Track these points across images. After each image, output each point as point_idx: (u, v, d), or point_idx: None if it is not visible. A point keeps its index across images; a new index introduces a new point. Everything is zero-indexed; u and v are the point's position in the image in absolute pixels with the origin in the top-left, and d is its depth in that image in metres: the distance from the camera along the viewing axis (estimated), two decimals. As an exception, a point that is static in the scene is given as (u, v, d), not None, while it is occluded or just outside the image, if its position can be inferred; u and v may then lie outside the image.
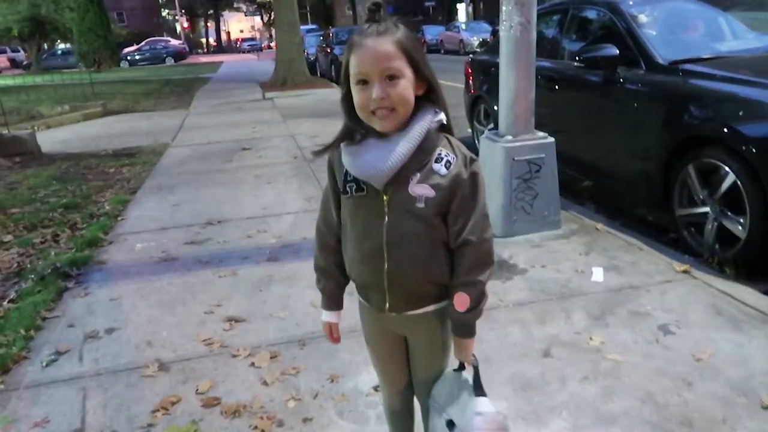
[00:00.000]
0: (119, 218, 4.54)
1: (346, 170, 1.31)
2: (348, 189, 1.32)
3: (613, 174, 4.08)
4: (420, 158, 1.27)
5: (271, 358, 2.42)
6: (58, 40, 33.60)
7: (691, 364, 2.24)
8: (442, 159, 1.28)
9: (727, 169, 3.07)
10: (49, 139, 8.42)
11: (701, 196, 3.27)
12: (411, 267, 1.32)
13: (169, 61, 36.17)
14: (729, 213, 3.12)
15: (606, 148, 4.13)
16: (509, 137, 3.55)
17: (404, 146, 1.24)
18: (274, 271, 3.27)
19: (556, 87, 4.66)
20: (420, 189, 1.27)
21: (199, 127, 9.15)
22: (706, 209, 3.25)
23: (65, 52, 34.17)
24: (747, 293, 2.76)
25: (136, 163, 6.69)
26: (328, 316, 1.51)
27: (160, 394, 2.23)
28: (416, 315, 1.39)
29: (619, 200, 4.21)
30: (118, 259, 3.67)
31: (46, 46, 34.19)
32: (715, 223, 3.20)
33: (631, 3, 4.28)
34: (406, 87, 1.23)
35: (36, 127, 9.46)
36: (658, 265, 3.12)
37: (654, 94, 3.66)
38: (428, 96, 1.31)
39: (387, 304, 1.37)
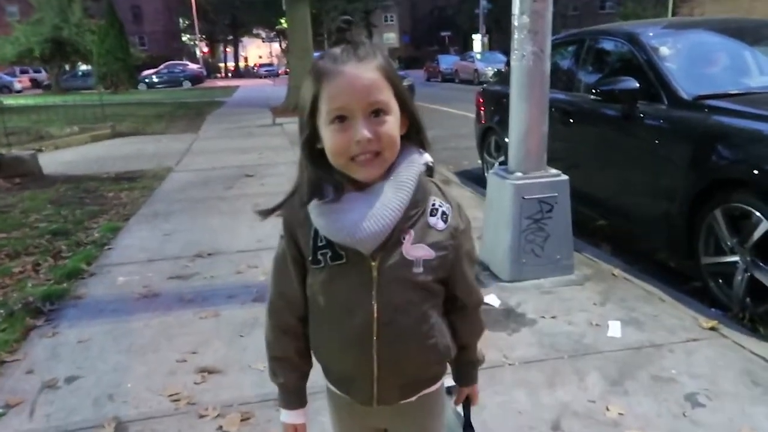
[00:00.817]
0: (107, 247, 4.31)
1: (316, 234, 1.03)
2: (320, 258, 1.03)
3: (632, 215, 3.79)
4: (412, 212, 1.02)
5: (242, 420, 2.14)
6: (79, 62, 34.07)
7: (725, 446, 1.92)
8: (437, 211, 1.05)
9: (759, 215, 2.78)
10: (54, 161, 8.31)
11: (730, 244, 2.97)
12: (411, 349, 1.07)
13: (186, 84, 36.54)
14: (762, 264, 2.82)
15: (624, 186, 3.85)
16: (519, 174, 3.29)
17: (397, 198, 0.99)
18: (259, 314, 2.99)
19: (571, 120, 4.41)
20: (417, 250, 1.03)
21: (206, 151, 9.00)
22: (736, 258, 2.95)
23: (85, 74, 34.66)
24: (785, 358, 2.45)
25: (135, 187, 6.50)
26: (292, 417, 1.18)
27: (111, 462, 1.96)
28: (407, 404, 1.13)
29: (637, 243, 3.91)
30: (96, 294, 3.42)
31: (67, 68, 34.70)
32: (746, 275, 2.89)
33: (651, 34, 4.04)
34: (394, 126, 0.99)
35: (43, 148, 9.37)
36: (682, 320, 2.81)
37: (677, 131, 3.39)
38: (408, 134, 1.06)
39: (375, 397, 1.09)
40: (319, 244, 1.03)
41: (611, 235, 4.15)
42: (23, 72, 39.07)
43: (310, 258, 1.04)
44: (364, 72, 0.96)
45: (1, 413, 2.25)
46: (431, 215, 1.04)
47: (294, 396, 1.18)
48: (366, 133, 0.95)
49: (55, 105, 15.21)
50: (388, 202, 0.99)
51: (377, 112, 0.97)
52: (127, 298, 3.33)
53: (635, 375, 2.35)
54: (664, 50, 3.86)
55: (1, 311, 3.17)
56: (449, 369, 1.22)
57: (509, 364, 2.45)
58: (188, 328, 2.92)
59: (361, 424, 1.20)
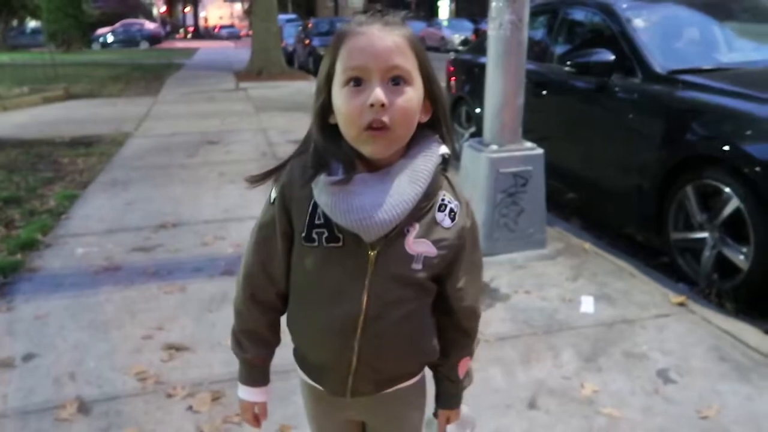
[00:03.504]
0: (63, 216, 4.11)
1: (314, 209, 0.95)
2: (315, 236, 0.96)
3: (602, 189, 3.80)
4: (422, 204, 0.95)
5: (212, 399, 2.07)
6: (27, 18, 32.28)
7: (696, 423, 1.95)
8: (446, 207, 0.99)
9: (730, 192, 2.80)
10: (3, 123, 7.89)
11: (700, 220, 3.00)
12: (393, 345, 1.01)
13: (144, 45, 35.07)
14: (730, 241, 2.86)
15: (595, 160, 3.85)
16: (494, 147, 3.24)
17: (412, 189, 0.93)
18: (228, 288, 2.90)
19: (543, 92, 4.37)
20: (419, 246, 0.96)
21: (166, 116, 8.66)
22: (705, 235, 2.99)
23: (35, 31, 32.90)
24: (751, 333, 2.50)
25: (92, 153, 6.21)
26: (253, 394, 1.12)
27: (74, 446, 1.87)
28: (384, 395, 1.07)
29: (607, 217, 3.93)
30: (54, 267, 3.25)
31: (14, 24, 32.84)
32: (714, 251, 2.94)
33: (625, 6, 3.99)
34: (413, 100, 0.91)
35: (-10, 109, 8.88)
36: (652, 295, 2.85)
37: (651, 105, 3.38)
38: (431, 123, 0.99)
39: (348, 389, 1.03)
40: (316, 222, 0.95)
41: (581, 209, 4.17)
42: (-34, 27, 36.82)
43: (303, 234, 0.96)
44: (389, 35, 0.90)
45: (-47, 395, 2.12)
46: (439, 211, 0.98)
47: (258, 372, 1.11)
48: (380, 93, 0.87)
49: (2, 64, 14.40)
50: (403, 192, 0.92)
51: (396, 80, 0.89)
52: (87, 272, 3.18)
53: (608, 351, 2.37)
54: (639, 22, 3.82)
55: (-50, 284, 2.99)
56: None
57: (484, 341, 2.43)
58: (153, 303, 2.81)
59: (335, 415, 1.15)
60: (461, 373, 1.14)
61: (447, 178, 1.02)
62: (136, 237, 3.68)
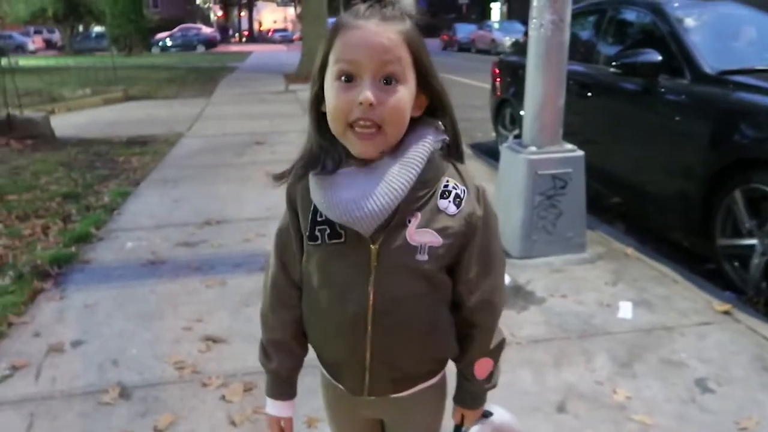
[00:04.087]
0: (116, 212, 4.30)
1: (316, 208, 0.95)
2: (318, 234, 0.95)
3: (647, 192, 3.70)
4: (420, 192, 0.93)
5: (244, 390, 2.13)
6: (93, 23, 33.84)
7: (733, 433, 1.89)
8: (449, 193, 0.95)
9: (781, 197, 2.69)
10: (66, 123, 8.28)
11: (748, 227, 2.89)
12: (406, 341, 0.99)
13: (200, 48, 36.22)
14: (780, 248, 2.74)
15: (640, 163, 3.75)
16: (533, 148, 3.20)
17: (401, 176, 0.90)
18: (266, 283, 2.99)
19: (588, 93, 4.29)
20: (422, 236, 0.93)
21: (218, 117, 8.93)
22: (754, 241, 2.87)
23: (99, 35, 34.43)
24: (800, 345, 2.39)
25: (146, 152, 6.47)
26: (279, 408, 1.10)
27: (114, 428, 1.96)
28: (402, 397, 1.06)
29: (652, 222, 3.83)
30: (104, 259, 3.42)
31: (80, 29, 34.50)
32: (764, 259, 2.82)
33: (676, 5, 3.89)
34: (405, 99, 0.90)
35: (55, 110, 9.35)
36: (695, 302, 2.76)
37: (699, 107, 3.28)
38: (427, 115, 0.97)
39: (366, 387, 1.02)
40: (318, 220, 0.95)
41: (625, 213, 4.07)
42: (37, 32, 38.85)
43: (307, 233, 0.97)
44: (385, 31, 0.88)
45: (7, 375, 2.26)
46: (442, 197, 0.94)
47: (285, 385, 1.11)
48: (369, 94, 0.86)
49: (68, 67, 15.15)
50: (392, 179, 0.90)
51: (388, 79, 0.88)
52: (134, 264, 3.33)
53: (644, 357, 2.31)
54: (689, 22, 3.71)
55: (11, 273, 3.18)
56: None
57: (516, 343, 2.42)
58: (194, 296, 2.91)
59: (353, 413, 1.14)
60: (479, 374, 1.08)
61: (454, 164, 0.98)
62: (181, 232, 3.81)
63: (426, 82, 0.93)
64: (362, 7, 0.90)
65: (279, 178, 1.03)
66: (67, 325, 2.65)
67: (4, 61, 8.68)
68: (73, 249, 3.53)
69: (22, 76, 10.68)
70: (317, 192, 0.93)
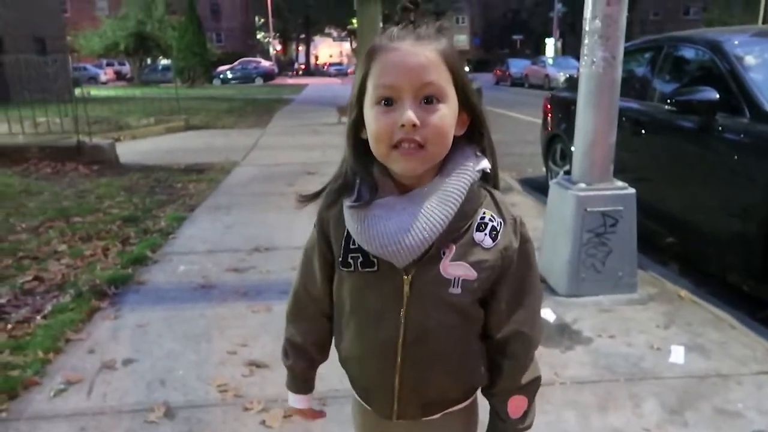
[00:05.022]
0: (171, 236, 4.47)
1: (349, 235, 0.95)
2: (351, 261, 0.96)
3: (704, 233, 3.57)
4: (457, 225, 0.92)
5: (284, 417, 2.15)
6: (160, 56, 35.66)
7: (793, 493, 1.77)
8: (486, 225, 0.94)
9: None
10: (130, 150, 8.71)
11: (813, 272, 2.75)
12: (437, 371, 0.99)
13: (259, 81, 37.54)
14: None
15: (697, 202, 3.63)
16: (583, 185, 3.16)
17: (440, 210, 0.90)
18: (310, 311, 3.03)
19: (643, 131, 4.21)
20: (456, 269, 0.93)
21: (271, 147, 9.21)
22: (819, 288, 2.73)
23: (165, 68, 36.23)
24: None
25: (203, 179, 6.72)
26: (296, 400, 1.18)
27: (157, 447, 2.02)
28: (432, 420, 1.06)
29: (708, 264, 3.68)
30: (158, 281, 3.55)
31: (148, 61, 36.39)
32: (830, 306, 2.67)
33: (736, 42, 3.80)
34: (447, 117, 0.89)
35: (121, 137, 9.85)
36: (754, 350, 2.62)
37: (759, 146, 3.17)
38: (468, 134, 0.97)
39: (395, 412, 1.03)
40: (351, 247, 0.96)
41: (680, 254, 3.94)
42: (109, 65, 41.21)
43: (340, 259, 0.98)
44: (421, 50, 0.87)
45: (63, 389, 2.36)
46: (478, 230, 0.94)
47: (300, 381, 1.17)
48: (412, 115, 0.85)
49: (135, 97, 15.97)
50: (431, 214, 0.89)
51: (429, 99, 0.87)
52: (186, 287, 3.44)
53: (697, 406, 2.21)
54: (749, 60, 3.62)
55: (71, 291, 3.34)
56: None
57: (560, 383, 2.36)
58: (240, 321, 2.98)
59: None
60: (512, 412, 1.05)
61: (491, 193, 0.98)
62: (232, 258, 3.92)
63: (465, 99, 0.92)
64: (395, 29, 0.90)
65: (306, 199, 1.04)
66: (120, 344, 2.76)
67: (78, 92, 9.25)
68: (129, 270, 3.68)
69: (93, 105, 11.34)
70: (352, 222, 0.93)
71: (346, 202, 0.95)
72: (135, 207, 5.41)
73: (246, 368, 2.51)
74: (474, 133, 0.98)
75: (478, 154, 0.97)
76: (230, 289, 3.39)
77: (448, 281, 0.94)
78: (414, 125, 0.86)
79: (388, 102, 0.88)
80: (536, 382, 1.06)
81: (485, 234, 0.94)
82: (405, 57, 0.87)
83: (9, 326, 2.93)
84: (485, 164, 0.96)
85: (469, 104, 0.93)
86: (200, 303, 3.20)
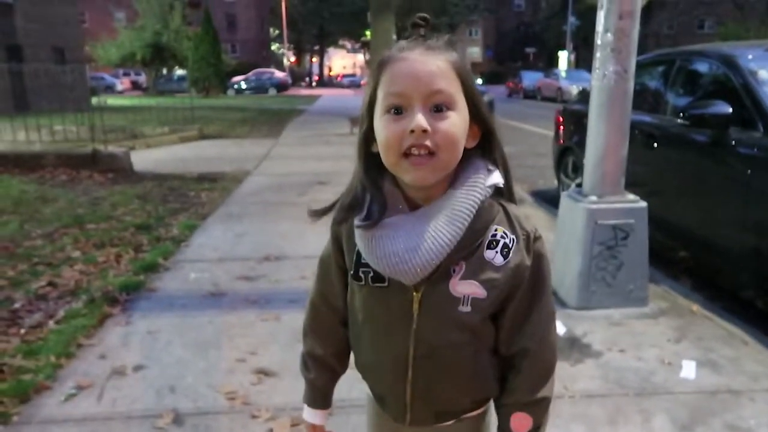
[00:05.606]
0: (183, 244, 4.51)
1: (359, 250, 0.96)
2: (362, 275, 0.97)
3: (716, 247, 3.54)
4: (467, 242, 0.92)
5: (292, 425, 2.16)
6: (176, 66, 36.10)
7: None
8: (497, 243, 0.93)
9: None
10: (144, 158, 8.80)
11: (827, 288, 2.72)
12: (447, 385, 1.00)
13: (272, 91, 37.81)
14: None
15: (710, 217, 3.61)
16: (594, 198, 3.15)
17: (449, 230, 0.89)
18: (319, 320, 3.03)
19: (655, 144, 4.20)
20: (466, 287, 0.93)
21: (284, 157, 9.27)
22: (834, 304, 2.69)
23: (180, 78, 36.65)
24: None
25: (215, 188, 6.78)
26: (313, 416, 1.16)
27: (165, 453, 2.02)
28: (445, 426, 1.07)
29: (721, 279, 3.65)
30: (169, 288, 3.57)
31: (164, 71, 36.86)
32: None
33: (750, 57, 3.79)
34: (457, 125, 0.88)
35: (135, 146, 9.97)
36: (766, 366, 2.59)
37: (773, 161, 3.14)
38: (480, 148, 0.96)
39: (408, 419, 1.04)
40: (363, 261, 0.96)
41: (692, 268, 3.90)
42: (125, 74, 41.79)
43: (351, 272, 1.00)
44: (431, 59, 0.87)
45: (73, 393, 2.38)
46: (489, 247, 0.93)
47: (320, 395, 1.15)
48: (422, 119, 0.85)
49: (150, 106, 16.15)
50: (439, 233, 0.89)
51: (439, 107, 0.87)
52: (196, 295, 3.46)
53: (708, 422, 2.18)
54: (763, 74, 3.60)
55: (84, 297, 3.38)
56: None
57: (569, 396, 2.34)
58: (249, 329, 2.99)
59: None
60: (515, 429, 1.02)
61: (505, 208, 0.97)
62: (242, 266, 3.95)
63: (476, 110, 0.92)
64: (404, 42, 0.91)
65: (317, 215, 1.04)
66: (131, 350, 2.78)
67: (95, 101, 9.38)
68: (141, 277, 3.72)
69: (109, 114, 11.51)
70: (362, 240, 0.94)
71: (356, 221, 0.95)
72: (148, 215, 5.46)
73: (254, 376, 2.52)
74: (486, 147, 0.97)
75: (491, 168, 0.96)
76: (240, 298, 3.40)
77: (458, 299, 0.93)
78: (424, 131, 0.85)
79: (398, 110, 0.88)
80: (543, 403, 1.02)
81: (496, 252, 0.93)
82: (414, 65, 0.87)
83: (22, 331, 2.96)
84: (497, 178, 0.96)
85: (479, 116, 0.93)
86: (210, 311, 3.22)
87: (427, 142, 0.86)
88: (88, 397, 2.37)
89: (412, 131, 0.86)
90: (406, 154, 0.87)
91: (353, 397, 1.14)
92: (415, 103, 0.87)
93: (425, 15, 0.93)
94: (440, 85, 0.87)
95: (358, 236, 0.95)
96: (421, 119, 0.85)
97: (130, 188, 6.77)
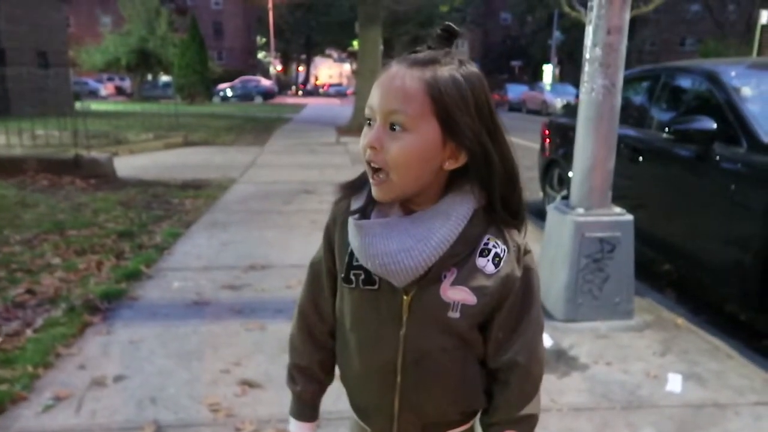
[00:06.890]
0: (166, 252, 4.44)
1: (352, 251, 0.95)
2: (353, 278, 0.96)
3: (701, 262, 3.58)
4: (459, 249, 0.92)
5: (276, 438, 2.12)
6: (161, 73, 35.85)
7: None
8: (489, 251, 0.93)
9: None
10: (128, 165, 8.69)
11: (810, 303, 2.75)
12: (434, 393, 0.98)
13: (258, 99, 37.73)
14: None
15: (694, 231, 3.64)
16: (581, 210, 3.16)
17: (442, 233, 0.90)
18: (305, 331, 2.99)
19: (640, 158, 4.24)
20: (456, 293, 0.92)
21: (270, 165, 9.22)
22: (816, 319, 2.72)
23: (165, 84, 36.41)
24: None
25: (200, 195, 6.70)
26: (299, 428, 1.13)
27: (146, 466, 1.97)
28: None
29: (706, 292, 3.68)
30: (152, 297, 3.51)
31: (149, 77, 36.58)
32: (827, 338, 2.66)
33: (733, 73, 3.85)
34: (410, 148, 0.85)
35: (119, 152, 9.85)
36: (752, 380, 2.60)
37: (756, 176, 3.18)
38: (475, 172, 0.92)
39: None
40: (354, 264, 0.96)
41: (677, 282, 3.93)
42: (109, 79, 41.46)
43: (342, 275, 0.98)
44: (404, 77, 0.85)
45: (51, 405, 2.32)
46: (481, 255, 0.93)
47: (308, 408, 1.13)
48: (372, 136, 0.87)
49: (134, 112, 16.03)
50: (432, 236, 0.89)
51: (393, 126, 0.86)
52: (180, 304, 3.40)
53: (694, 435, 2.19)
54: (746, 91, 3.66)
55: (63, 306, 3.30)
56: None
57: (557, 410, 2.33)
58: (234, 339, 2.94)
59: None
60: None
61: (497, 220, 0.96)
62: (227, 275, 3.90)
63: (452, 132, 0.87)
64: (408, 53, 0.91)
65: (342, 187, 1.01)
66: (112, 360, 2.71)
67: (78, 105, 9.27)
68: (123, 285, 3.65)
69: (93, 119, 11.39)
70: (356, 238, 0.93)
71: (350, 219, 0.95)
72: (131, 222, 5.38)
73: (239, 387, 2.47)
74: (475, 170, 0.91)
75: (478, 189, 0.93)
76: (225, 307, 3.35)
77: (447, 305, 0.93)
78: (372, 147, 0.87)
79: (369, 121, 0.89)
80: (530, 420, 1.01)
81: (488, 260, 0.93)
82: (385, 80, 0.88)
83: (-1, 339, 2.89)
84: (481, 201, 0.93)
85: (459, 140, 0.87)
86: (194, 320, 3.17)
87: (376, 160, 0.88)
88: (66, 409, 2.30)
89: (363, 147, 0.89)
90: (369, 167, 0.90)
91: (341, 409, 1.11)
92: (378, 116, 0.87)
93: (451, 26, 0.91)
94: (396, 105, 0.85)
95: (353, 234, 0.94)
96: (371, 135, 0.87)
97: (112, 194, 6.67)
